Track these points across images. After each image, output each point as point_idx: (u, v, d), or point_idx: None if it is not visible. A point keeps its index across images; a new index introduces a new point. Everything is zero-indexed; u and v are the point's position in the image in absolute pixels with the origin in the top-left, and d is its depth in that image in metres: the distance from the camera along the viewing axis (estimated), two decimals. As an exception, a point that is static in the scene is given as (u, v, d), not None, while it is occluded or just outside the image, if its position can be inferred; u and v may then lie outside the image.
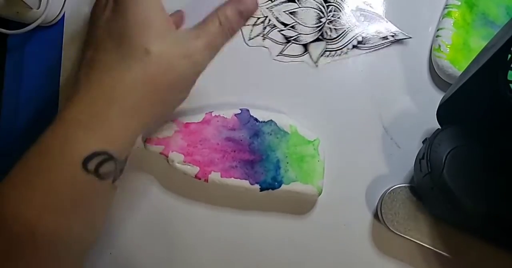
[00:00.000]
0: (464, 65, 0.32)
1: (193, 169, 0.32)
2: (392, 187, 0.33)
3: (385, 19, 0.38)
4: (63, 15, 0.38)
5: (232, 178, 0.32)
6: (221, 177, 0.32)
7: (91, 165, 0.23)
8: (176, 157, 0.32)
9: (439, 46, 0.36)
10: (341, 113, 0.37)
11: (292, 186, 0.32)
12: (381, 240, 0.34)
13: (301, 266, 0.34)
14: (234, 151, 0.32)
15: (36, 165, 0.24)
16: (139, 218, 0.34)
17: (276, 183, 0.32)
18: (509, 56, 0.28)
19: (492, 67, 0.28)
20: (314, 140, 0.34)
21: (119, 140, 0.24)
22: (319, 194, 0.33)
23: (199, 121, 0.33)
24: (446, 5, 0.38)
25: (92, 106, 0.24)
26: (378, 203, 0.34)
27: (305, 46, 0.38)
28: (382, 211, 0.33)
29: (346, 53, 0.38)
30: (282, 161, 0.33)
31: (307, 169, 0.33)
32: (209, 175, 0.32)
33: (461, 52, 0.36)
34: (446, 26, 0.37)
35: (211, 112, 0.33)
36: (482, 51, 0.30)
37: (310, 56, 0.37)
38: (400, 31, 0.38)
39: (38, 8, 0.35)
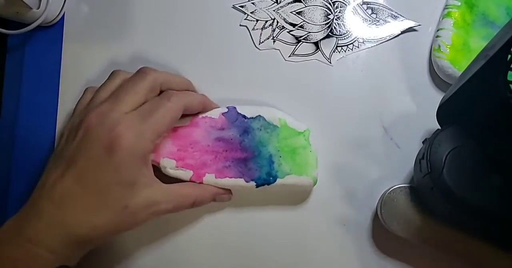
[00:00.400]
0: (464, 65, 0.32)
1: (187, 174, 0.31)
2: (392, 187, 0.33)
3: (392, 9, 0.39)
4: (63, 15, 0.38)
5: (227, 178, 0.32)
6: (216, 178, 0.31)
7: None
8: (168, 163, 0.31)
9: (439, 46, 0.36)
10: (341, 113, 0.37)
11: (287, 179, 0.32)
12: (381, 240, 0.34)
13: (300, 265, 0.34)
14: (226, 151, 0.32)
15: None
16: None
17: (271, 178, 0.32)
18: (509, 56, 0.28)
19: (492, 67, 0.28)
20: (304, 131, 0.34)
21: (69, 256, 0.27)
22: (315, 184, 0.33)
23: (187, 124, 0.32)
24: (446, 6, 0.38)
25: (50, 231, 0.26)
26: (378, 203, 0.34)
27: (316, 44, 0.38)
28: (382, 211, 0.33)
29: (357, 46, 0.38)
30: (274, 155, 0.32)
31: (300, 160, 0.33)
32: (204, 178, 0.31)
33: (461, 53, 0.36)
34: (446, 26, 0.37)
35: (197, 113, 0.33)
36: (482, 52, 0.30)
37: (323, 53, 0.37)
38: (408, 20, 0.38)
39: (38, 8, 0.35)
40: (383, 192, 0.34)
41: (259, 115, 0.33)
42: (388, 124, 0.37)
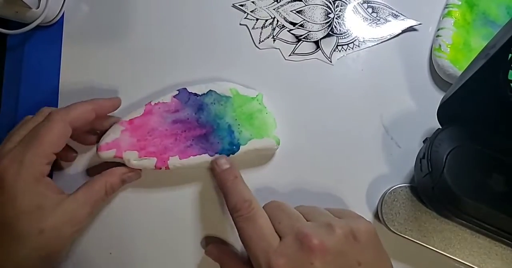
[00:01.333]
0: (465, 64, 0.32)
1: (151, 161, 0.32)
2: (392, 187, 0.33)
3: (393, 8, 0.39)
4: (63, 15, 0.38)
5: (191, 157, 0.32)
6: (180, 159, 0.32)
7: None
8: (131, 155, 0.32)
9: (440, 45, 0.36)
10: (341, 113, 0.37)
11: (250, 144, 0.33)
12: (381, 240, 0.34)
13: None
14: (185, 131, 0.33)
15: None
16: (138, 218, 0.34)
17: (234, 147, 0.32)
18: (510, 55, 0.28)
19: (492, 66, 0.28)
20: (257, 95, 0.34)
21: None
22: (278, 143, 0.33)
23: (141, 114, 0.33)
24: (446, 5, 0.38)
25: None
26: (378, 203, 0.34)
27: (317, 43, 0.38)
28: (383, 211, 0.33)
29: (358, 45, 0.38)
30: (233, 124, 0.33)
31: (258, 124, 0.33)
32: (168, 162, 0.32)
33: (462, 52, 0.36)
34: (447, 25, 0.37)
35: (150, 102, 0.33)
36: (482, 51, 0.30)
37: (323, 52, 0.37)
38: (409, 19, 0.38)
39: (37, 8, 0.34)
40: (383, 192, 0.34)
41: (210, 90, 0.34)
42: (389, 123, 0.36)
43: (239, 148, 0.33)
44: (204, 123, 0.33)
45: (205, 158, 0.32)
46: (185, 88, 0.34)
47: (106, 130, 0.33)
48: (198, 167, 0.33)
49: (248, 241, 0.27)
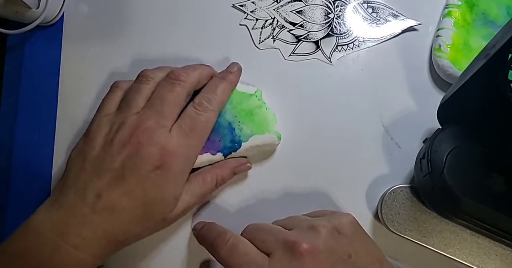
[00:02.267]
0: (465, 65, 0.31)
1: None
2: (392, 187, 0.33)
3: (393, 8, 0.39)
4: (63, 15, 0.38)
5: None
6: None
7: None
8: None
9: (440, 46, 0.36)
10: (341, 113, 0.37)
11: (252, 140, 0.33)
12: (381, 240, 0.34)
13: None
14: None
15: None
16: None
17: (236, 144, 0.32)
18: (510, 56, 0.28)
19: (492, 67, 0.28)
20: (256, 91, 0.34)
21: (105, 258, 0.28)
22: (279, 138, 0.33)
23: None
24: (446, 5, 0.38)
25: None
26: (378, 203, 0.34)
27: (317, 43, 0.38)
28: (383, 211, 0.33)
29: (358, 45, 0.38)
30: (233, 122, 0.33)
31: (258, 120, 0.33)
32: None
33: (462, 52, 0.36)
34: (447, 26, 0.37)
35: None
36: (482, 51, 0.30)
37: (323, 53, 0.37)
38: (409, 19, 0.38)
39: (37, 8, 0.34)
40: (383, 192, 0.34)
41: None
42: (389, 123, 0.36)
43: (240, 145, 0.32)
44: None
45: (208, 157, 0.32)
46: None
47: None
48: (200, 166, 0.33)
49: None
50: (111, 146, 0.28)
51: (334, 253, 0.26)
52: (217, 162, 0.33)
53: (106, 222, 0.27)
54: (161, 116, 0.29)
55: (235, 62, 0.34)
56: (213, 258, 0.28)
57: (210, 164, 0.33)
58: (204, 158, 0.32)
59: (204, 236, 0.29)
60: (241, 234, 0.29)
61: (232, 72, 0.33)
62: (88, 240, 0.26)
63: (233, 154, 0.33)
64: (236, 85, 0.33)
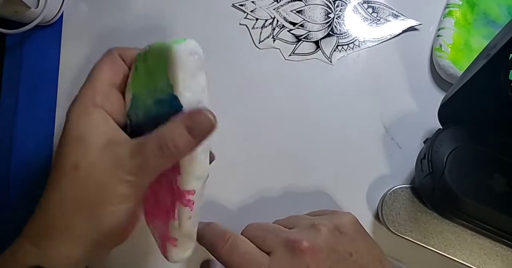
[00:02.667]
0: (465, 64, 0.31)
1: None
2: (393, 187, 0.33)
3: (393, 8, 0.39)
4: (62, 14, 0.38)
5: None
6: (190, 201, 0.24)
7: None
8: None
9: (440, 45, 0.36)
10: (341, 113, 0.36)
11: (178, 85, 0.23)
12: (381, 241, 0.34)
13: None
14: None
15: None
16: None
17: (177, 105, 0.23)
18: (511, 55, 0.28)
19: (493, 66, 0.28)
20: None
21: (60, 259, 0.24)
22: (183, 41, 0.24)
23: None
24: (447, 5, 0.38)
25: (35, 223, 0.25)
26: (378, 203, 0.34)
27: (317, 43, 0.38)
28: (383, 212, 0.33)
29: (358, 45, 0.38)
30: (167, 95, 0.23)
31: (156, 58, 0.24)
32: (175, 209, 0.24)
33: (462, 52, 0.36)
34: (447, 25, 0.37)
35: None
36: (483, 51, 0.30)
37: (323, 53, 0.37)
38: (409, 19, 0.38)
39: (36, 7, 0.34)
40: (384, 192, 0.34)
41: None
42: (389, 123, 0.36)
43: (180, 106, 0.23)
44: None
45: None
46: None
47: None
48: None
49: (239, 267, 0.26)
50: None
51: (335, 252, 0.26)
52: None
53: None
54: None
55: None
56: (213, 258, 0.28)
57: None
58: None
59: (204, 235, 0.28)
60: (241, 233, 0.28)
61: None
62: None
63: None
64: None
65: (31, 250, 0.24)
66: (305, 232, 0.27)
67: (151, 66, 0.24)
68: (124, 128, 0.26)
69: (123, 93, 0.27)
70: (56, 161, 0.25)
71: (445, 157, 0.29)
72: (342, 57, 0.38)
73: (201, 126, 0.23)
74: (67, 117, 0.25)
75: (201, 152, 0.23)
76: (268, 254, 0.26)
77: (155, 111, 0.24)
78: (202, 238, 0.29)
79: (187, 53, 0.24)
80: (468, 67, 0.30)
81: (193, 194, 0.24)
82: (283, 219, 0.30)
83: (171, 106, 0.23)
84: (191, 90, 0.23)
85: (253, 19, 0.38)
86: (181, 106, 0.23)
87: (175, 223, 0.24)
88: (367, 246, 0.28)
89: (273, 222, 0.30)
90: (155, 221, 0.27)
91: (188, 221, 0.24)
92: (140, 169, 0.23)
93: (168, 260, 0.26)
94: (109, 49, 0.27)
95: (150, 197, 0.26)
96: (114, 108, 0.26)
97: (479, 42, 0.37)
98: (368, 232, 0.32)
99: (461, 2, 0.37)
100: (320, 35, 0.38)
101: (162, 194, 0.25)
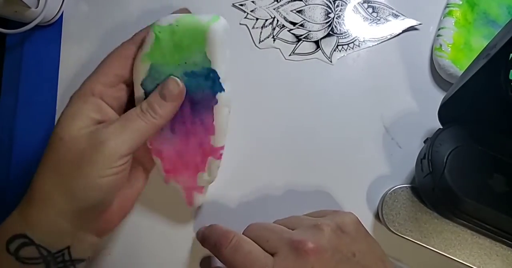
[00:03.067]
0: (466, 64, 0.31)
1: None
2: (393, 187, 0.33)
3: (393, 8, 0.39)
4: (62, 14, 0.38)
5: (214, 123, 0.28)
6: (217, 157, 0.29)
7: (12, 247, 0.24)
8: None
9: (440, 45, 0.36)
10: (341, 113, 0.36)
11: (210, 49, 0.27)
12: (381, 240, 0.34)
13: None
14: (191, 134, 0.29)
15: None
16: (138, 219, 0.34)
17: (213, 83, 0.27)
18: (511, 55, 0.28)
19: (493, 66, 0.28)
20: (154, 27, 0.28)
21: (40, 227, 0.25)
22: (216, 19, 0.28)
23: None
24: (447, 4, 0.38)
25: (26, 194, 0.26)
26: (379, 203, 0.34)
27: (317, 42, 0.38)
28: (383, 211, 0.33)
29: (358, 45, 0.38)
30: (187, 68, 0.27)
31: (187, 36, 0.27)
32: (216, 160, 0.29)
33: (463, 52, 0.36)
34: (448, 25, 0.37)
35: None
36: (483, 51, 0.30)
37: (323, 52, 0.37)
38: (409, 19, 0.38)
39: (36, 7, 0.34)
40: (384, 192, 0.34)
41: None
42: (389, 123, 0.36)
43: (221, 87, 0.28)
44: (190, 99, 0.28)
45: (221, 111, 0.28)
46: None
47: None
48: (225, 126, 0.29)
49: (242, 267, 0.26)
50: None
51: (338, 252, 0.26)
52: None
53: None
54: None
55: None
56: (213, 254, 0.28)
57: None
58: (220, 115, 0.28)
59: (207, 236, 0.29)
60: (243, 233, 0.28)
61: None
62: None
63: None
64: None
65: (17, 219, 0.25)
66: (308, 232, 0.27)
67: (181, 41, 0.27)
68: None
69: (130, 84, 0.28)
70: (53, 133, 0.26)
71: (445, 157, 0.29)
72: (342, 57, 0.38)
73: (170, 92, 0.27)
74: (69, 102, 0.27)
75: (226, 116, 0.29)
76: (272, 255, 0.26)
77: (185, 81, 0.28)
78: (205, 239, 0.29)
79: (223, 31, 0.28)
80: (468, 67, 0.30)
81: (223, 149, 0.29)
82: (283, 219, 0.30)
83: (207, 78, 0.27)
84: (225, 62, 0.28)
85: (253, 19, 0.38)
86: (219, 77, 0.27)
87: (205, 174, 0.30)
88: (369, 245, 0.28)
89: (274, 222, 0.30)
90: (179, 177, 0.30)
91: (217, 170, 0.30)
92: (122, 130, 0.25)
93: (192, 206, 0.32)
94: (123, 42, 0.29)
95: (174, 159, 0.30)
96: (115, 98, 0.28)
97: (479, 42, 0.37)
98: (368, 232, 0.32)
99: (461, 2, 0.37)
100: (320, 35, 0.38)
101: (190, 154, 0.29)
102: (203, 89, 0.28)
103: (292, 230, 0.28)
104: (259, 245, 0.27)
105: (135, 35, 0.29)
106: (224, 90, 0.28)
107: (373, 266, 0.27)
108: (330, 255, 0.25)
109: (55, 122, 0.35)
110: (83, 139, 0.25)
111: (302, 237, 0.26)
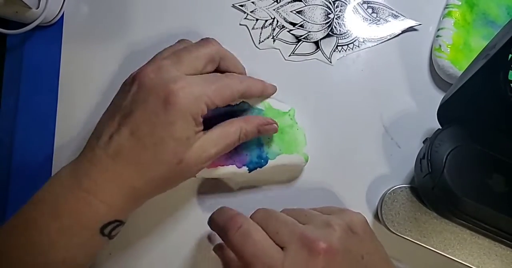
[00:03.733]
0: (465, 65, 0.31)
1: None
2: (392, 187, 0.33)
3: (393, 9, 0.39)
4: (63, 15, 0.38)
5: (219, 167, 0.31)
6: (208, 168, 0.31)
7: (107, 230, 0.27)
8: None
9: (440, 46, 0.36)
10: (341, 113, 0.37)
11: (279, 159, 0.32)
12: (381, 240, 0.34)
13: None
14: None
15: (47, 225, 0.26)
16: (138, 218, 0.34)
17: (262, 161, 0.32)
18: (510, 56, 0.28)
19: (492, 67, 0.28)
20: (289, 110, 0.34)
21: (124, 210, 0.28)
22: (306, 160, 0.33)
23: None
24: (446, 5, 0.38)
25: (104, 182, 0.27)
26: (378, 203, 0.34)
27: (317, 43, 0.38)
28: (382, 211, 0.33)
29: (358, 46, 0.38)
30: (263, 138, 0.32)
31: (288, 139, 0.33)
32: None
33: (462, 52, 0.36)
34: (447, 26, 0.37)
35: None
36: (482, 51, 0.30)
37: (323, 53, 0.37)
38: (409, 19, 0.38)
39: (37, 8, 0.34)
40: (383, 192, 0.34)
41: (243, 101, 0.33)
42: (389, 123, 0.36)
43: (267, 162, 0.32)
44: None
45: (232, 169, 0.32)
46: None
47: None
48: (223, 177, 0.33)
49: (250, 259, 0.25)
50: (124, 89, 0.28)
51: (349, 253, 0.26)
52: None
53: (117, 165, 0.26)
54: (177, 61, 0.28)
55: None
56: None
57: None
58: (228, 169, 0.32)
59: (215, 218, 0.28)
60: (250, 217, 0.27)
61: (271, 84, 0.34)
62: (100, 184, 0.26)
63: (259, 169, 0.32)
64: (266, 93, 0.33)
65: (100, 206, 0.26)
66: (320, 230, 0.26)
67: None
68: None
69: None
70: (162, 151, 0.27)
71: (445, 157, 0.30)
72: (342, 57, 0.38)
73: (267, 131, 0.32)
74: (184, 109, 0.27)
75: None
76: (282, 248, 0.25)
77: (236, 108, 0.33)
78: (212, 221, 0.28)
79: (300, 165, 0.34)
80: (468, 67, 0.31)
81: None
82: (292, 209, 0.29)
83: (253, 111, 0.33)
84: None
85: (253, 20, 0.38)
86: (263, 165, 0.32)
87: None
88: (376, 247, 0.28)
89: (281, 211, 0.29)
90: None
91: None
92: (219, 154, 0.29)
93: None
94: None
95: None
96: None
97: (479, 43, 0.37)
98: (374, 233, 0.32)
99: (460, 3, 0.37)
100: (320, 35, 0.38)
101: None
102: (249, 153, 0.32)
103: (304, 225, 0.27)
104: (268, 235, 0.26)
105: None
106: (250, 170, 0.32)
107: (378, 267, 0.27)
108: (341, 257, 0.25)
109: (55, 125, 0.36)
110: (196, 160, 0.28)
111: (315, 236, 0.25)
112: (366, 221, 0.28)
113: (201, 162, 0.28)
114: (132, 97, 0.27)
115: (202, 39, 0.31)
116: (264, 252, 0.25)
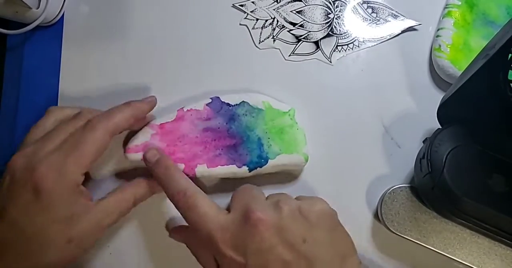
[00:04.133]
0: (465, 65, 0.32)
1: (179, 167, 0.31)
2: (392, 187, 0.33)
3: (393, 8, 0.39)
4: (63, 15, 0.38)
5: (219, 166, 0.32)
6: (208, 168, 0.32)
7: None
8: None
9: (440, 46, 0.36)
10: (341, 113, 0.37)
11: (279, 159, 0.32)
12: (381, 240, 0.34)
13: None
14: (215, 140, 0.32)
15: None
16: (138, 218, 0.34)
17: (262, 160, 0.32)
18: (510, 55, 0.28)
19: (492, 67, 0.28)
20: (289, 110, 0.34)
21: None
22: (306, 160, 0.33)
23: (173, 119, 0.33)
24: (446, 5, 0.38)
25: None
26: (378, 203, 0.34)
27: (316, 43, 0.38)
28: (382, 211, 0.33)
29: (358, 46, 0.38)
30: (263, 137, 0.33)
31: (288, 139, 0.33)
32: (196, 169, 0.32)
33: (462, 52, 0.36)
34: (447, 26, 0.37)
35: (183, 107, 0.33)
36: (482, 51, 0.30)
37: (323, 53, 0.37)
38: (409, 19, 0.38)
39: (37, 8, 0.34)
40: (383, 192, 0.34)
41: (243, 101, 0.33)
42: (389, 123, 0.36)
43: (267, 162, 0.32)
44: (235, 133, 0.33)
45: (233, 169, 0.32)
46: (218, 97, 0.33)
47: (136, 132, 0.33)
48: (224, 176, 0.33)
49: (195, 225, 0.27)
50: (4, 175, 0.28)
51: (286, 232, 0.26)
52: (240, 174, 0.33)
53: (6, 260, 0.26)
54: (44, 142, 0.28)
55: (152, 96, 0.33)
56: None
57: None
58: (229, 169, 0.32)
59: (167, 185, 0.29)
60: (235, 192, 0.30)
61: (142, 100, 0.32)
62: None
63: (259, 169, 0.32)
64: (143, 113, 0.32)
65: None
66: (267, 206, 0.27)
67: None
68: None
69: None
70: (46, 235, 0.27)
71: (444, 157, 0.30)
72: (341, 57, 0.38)
73: (160, 191, 0.31)
74: (52, 194, 0.27)
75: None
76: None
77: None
78: (164, 188, 0.30)
79: (300, 165, 0.34)
80: (467, 67, 0.31)
81: None
82: (275, 193, 0.31)
83: (253, 111, 0.34)
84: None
85: (253, 20, 0.38)
86: (263, 163, 0.33)
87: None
88: (331, 238, 0.27)
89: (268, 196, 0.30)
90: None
91: None
92: (114, 222, 0.30)
93: None
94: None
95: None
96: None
97: (478, 43, 0.37)
98: (367, 232, 0.32)
99: (460, 3, 0.37)
100: (320, 35, 0.38)
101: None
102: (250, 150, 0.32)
103: None
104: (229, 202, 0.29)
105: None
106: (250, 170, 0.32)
107: (325, 258, 0.26)
108: (275, 232, 0.26)
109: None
110: (88, 234, 0.28)
111: (256, 207, 0.27)
112: (329, 212, 0.29)
113: (97, 232, 0.29)
114: (5, 191, 0.27)
115: (78, 118, 0.30)
116: (207, 220, 0.27)
